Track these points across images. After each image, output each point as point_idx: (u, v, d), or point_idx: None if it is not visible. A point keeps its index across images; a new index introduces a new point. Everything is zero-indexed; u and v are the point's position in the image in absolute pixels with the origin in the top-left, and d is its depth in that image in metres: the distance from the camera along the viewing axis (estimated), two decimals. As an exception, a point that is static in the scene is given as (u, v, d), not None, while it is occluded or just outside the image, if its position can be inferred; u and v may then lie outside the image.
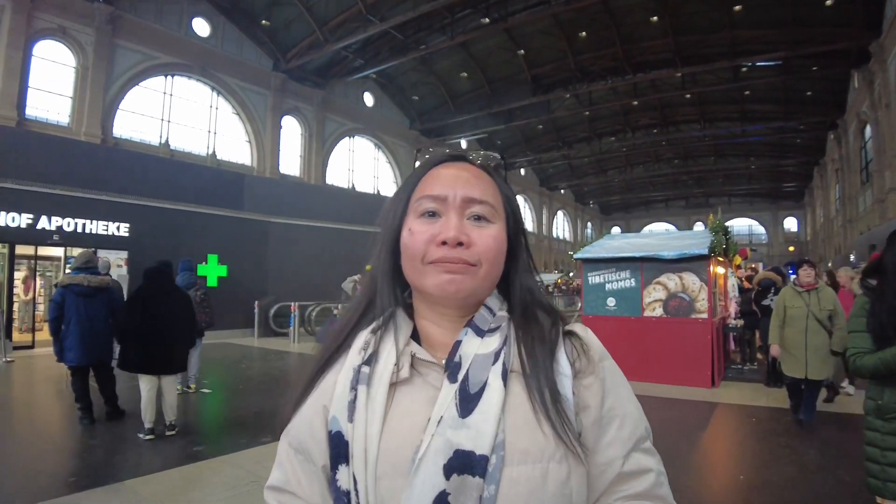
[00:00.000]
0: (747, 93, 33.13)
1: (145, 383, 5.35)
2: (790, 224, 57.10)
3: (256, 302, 14.29)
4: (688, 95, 33.10)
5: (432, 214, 0.77)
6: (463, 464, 0.65)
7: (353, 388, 0.73)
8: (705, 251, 8.54)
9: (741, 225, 57.72)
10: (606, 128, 40.10)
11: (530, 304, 0.81)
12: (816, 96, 32.69)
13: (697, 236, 9.78)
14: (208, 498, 4.01)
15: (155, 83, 21.93)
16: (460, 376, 0.71)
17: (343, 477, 0.70)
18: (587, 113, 35.90)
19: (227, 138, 24.56)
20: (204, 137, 23.59)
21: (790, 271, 11.77)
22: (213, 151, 23.39)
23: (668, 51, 27.69)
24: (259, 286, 14.68)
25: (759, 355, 10.36)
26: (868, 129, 27.97)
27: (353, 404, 0.71)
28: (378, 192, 32.18)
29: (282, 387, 8.72)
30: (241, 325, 14.01)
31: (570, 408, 0.72)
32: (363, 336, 0.79)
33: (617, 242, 10.06)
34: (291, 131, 27.41)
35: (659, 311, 8.85)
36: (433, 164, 0.84)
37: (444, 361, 0.74)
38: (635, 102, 34.02)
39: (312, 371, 0.81)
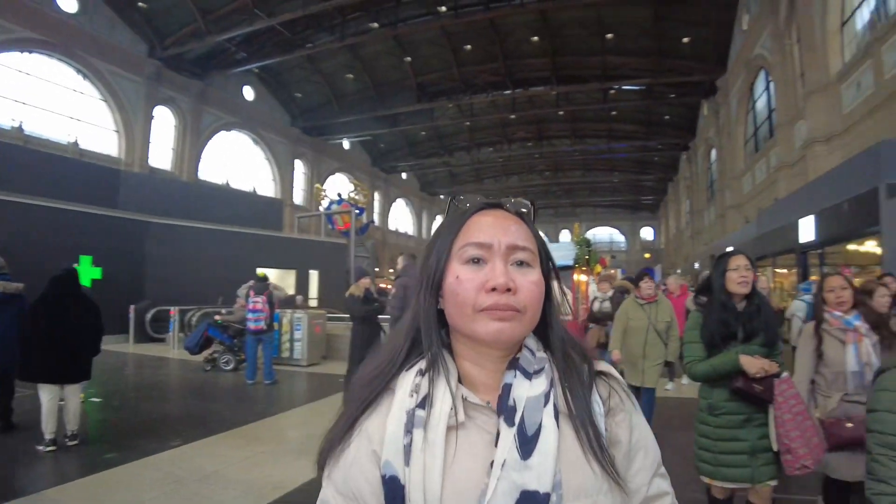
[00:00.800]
0: (614, 113, 35.90)
1: (47, 393, 5.06)
2: (647, 234, 62.25)
3: (132, 306, 13.45)
4: (561, 112, 35.30)
5: (477, 261, 0.78)
6: (530, 503, 0.69)
7: (409, 431, 0.73)
8: (571, 262, 9.50)
9: (603, 234, 62.12)
10: (485, 138, 41.67)
11: (566, 344, 0.85)
12: (673, 120, 36.24)
13: (564, 248, 10.80)
14: (136, 498, 4.01)
15: (8, 59, 19.76)
16: (517, 419, 0.73)
17: None
18: (468, 123, 37.08)
19: (91, 126, 22.68)
20: (65, 124, 21.63)
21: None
22: (76, 140, 21.51)
23: (546, 70, 29.51)
24: (135, 289, 13.70)
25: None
26: (713, 153, 31.43)
27: (408, 448, 0.72)
28: (254, 190, 31.22)
29: (172, 394, 8.44)
30: (115, 330, 12.98)
31: (606, 442, 0.78)
32: (410, 378, 0.79)
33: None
34: (164, 123, 25.86)
35: (531, 314, 9.69)
36: (473, 211, 0.85)
37: (487, 403, 0.77)
38: (513, 116, 35.67)
39: (352, 414, 0.81)
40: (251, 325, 8.45)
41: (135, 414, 6.86)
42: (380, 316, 6.91)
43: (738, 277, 2.88)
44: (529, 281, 0.78)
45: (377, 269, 30.64)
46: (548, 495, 0.69)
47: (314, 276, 18.66)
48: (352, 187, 23.73)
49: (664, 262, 46.71)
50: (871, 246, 8.73)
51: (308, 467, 4.29)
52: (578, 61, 28.86)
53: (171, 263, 14.41)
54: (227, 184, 29.27)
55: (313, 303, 16.94)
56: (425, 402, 0.75)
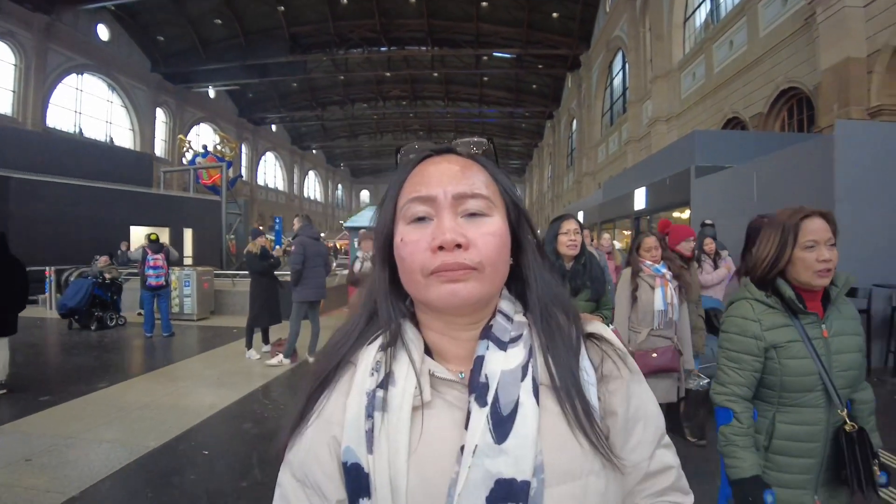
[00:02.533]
0: (486, 79, 37.28)
1: None
2: (514, 196, 65.24)
3: (-5, 268, 12.31)
4: (435, 74, 36.08)
5: (423, 219, 0.69)
6: (505, 493, 0.61)
7: (370, 415, 0.66)
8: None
9: (475, 195, 64.41)
10: (360, 94, 41.51)
11: (549, 303, 0.75)
12: (540, 90, 38.27)
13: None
14: (89, 426, 4.39)
15: None
16: (490, 398, 0.65)
17: None
18: (342, 78, 36.67)
19: None
20: None
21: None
22: None
23: (422, 31, 29.99)
24: (-3, 250, 12.56)
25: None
26: (575, 123, 33.75)
27: (370, 433, 0.65)
28: (111, 139, 28.92)
29: (75, 349, 8.27)
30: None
31: (598, 415, 0.69)
32: (371, 354, 0.71)
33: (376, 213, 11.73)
34: (2, 60, 22.98)
35: (408, 268, 10.90)
36: (417, 161, 0.75)
37: (461, 376, 0.70)
38: (388, 74, 35.90)
39: (308, 393, 0.74)
40: (152, 282, 8.70)
41: (47, 367, 6.93)
42: (276, 271, 7.35)
43: (567, 241, 3.06)
44: (484, 232, 0.68)
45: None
46: (527, 483, 0.61)
47: (188, 234, 18.09)
48: (217, 139, 22.81)
49: (527, 223, 49.49)
50: (687, 214, 10.39)
51: (229, 395, 4.82)
52: (453, 26, 29.60)
53: (37, 222, 13.38)
54: (80, 132, 26.85)
55: (188, 261, 16.53)
56: (387, 382, 0.68)
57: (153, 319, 8.76)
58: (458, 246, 0.65)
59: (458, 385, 0.68)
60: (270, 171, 49.33)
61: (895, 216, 5.73)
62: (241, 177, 36.56)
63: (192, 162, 21.25)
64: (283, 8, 28.65)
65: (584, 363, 0.71)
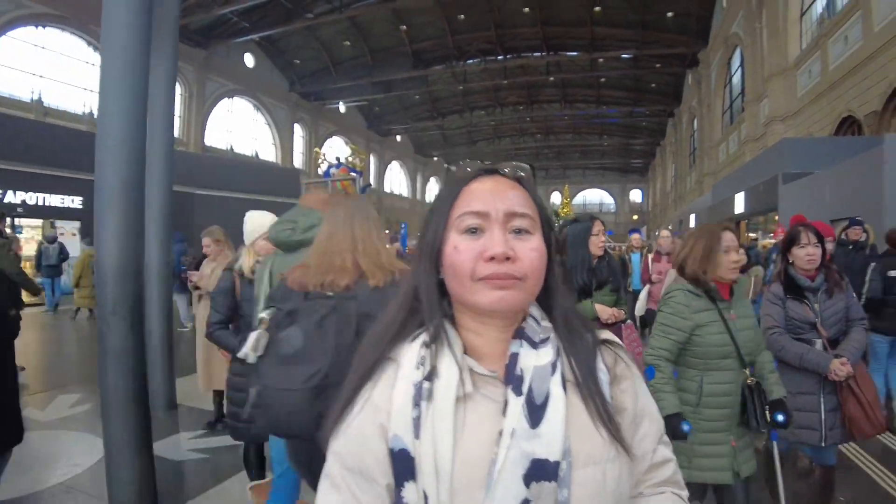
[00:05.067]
0: (603, 80, 37.16)
1: None
2: (635, 196, 62.99)
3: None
4: (551, 79, 36.32)
5: (475, 231, 0.76)
6: (540, 471, 0.68)
7: (417, 404, 0.72)
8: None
9: (593, 195, 63.13)
10: (478, 102, 42.72)
11: (568, 311, 0.83)
12: (660, 88, 37.55)
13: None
14: None
15: (24, 34, 20.41)
16: (525, 388, 0.72)
17: (410, 493, 0.70)
18: (461, 87, 38.01)
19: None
20: (80, 95, 22.43)
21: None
22: (91, 111, 21.96)
23: (537, 39, 30.72)
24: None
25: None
26: (696, 122, 32.82)
27: (417, 421, 0.71)
28: (256, 154, 32.49)
29: None
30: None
31: (612, 410, 0.77)
32: (415, 350, 0.77)
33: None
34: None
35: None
36: (469, 179, 0.82)
37: (494, 372, 0.76)
38: (505, 81, 36.73)
39: (353, 386, 0.79)
40: None
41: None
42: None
43: (599, 242, 3.24)
44: (529, 248, 0.76)
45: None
46: (557, 463, 0.69)
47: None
48: (349, 151, 24.83)
49: (650, 224, 48.23)
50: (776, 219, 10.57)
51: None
52: (567, 31, 30.03)
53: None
54: (231, 149, 30.44)
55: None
56: (432, 375, 0.73)
57: None
58: (508, 258, 0.73)
59: (494, 380, 0.75)
60: (396, 179, 52.02)
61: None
62: (371, 185, 39.01)
63: (326, 174, 23.25)
64: (405, 27, 30.54)
65: (600, 364, 0.81)
